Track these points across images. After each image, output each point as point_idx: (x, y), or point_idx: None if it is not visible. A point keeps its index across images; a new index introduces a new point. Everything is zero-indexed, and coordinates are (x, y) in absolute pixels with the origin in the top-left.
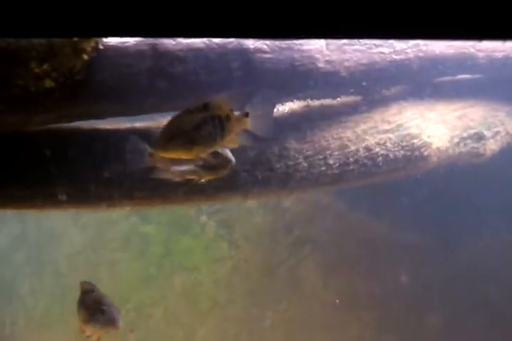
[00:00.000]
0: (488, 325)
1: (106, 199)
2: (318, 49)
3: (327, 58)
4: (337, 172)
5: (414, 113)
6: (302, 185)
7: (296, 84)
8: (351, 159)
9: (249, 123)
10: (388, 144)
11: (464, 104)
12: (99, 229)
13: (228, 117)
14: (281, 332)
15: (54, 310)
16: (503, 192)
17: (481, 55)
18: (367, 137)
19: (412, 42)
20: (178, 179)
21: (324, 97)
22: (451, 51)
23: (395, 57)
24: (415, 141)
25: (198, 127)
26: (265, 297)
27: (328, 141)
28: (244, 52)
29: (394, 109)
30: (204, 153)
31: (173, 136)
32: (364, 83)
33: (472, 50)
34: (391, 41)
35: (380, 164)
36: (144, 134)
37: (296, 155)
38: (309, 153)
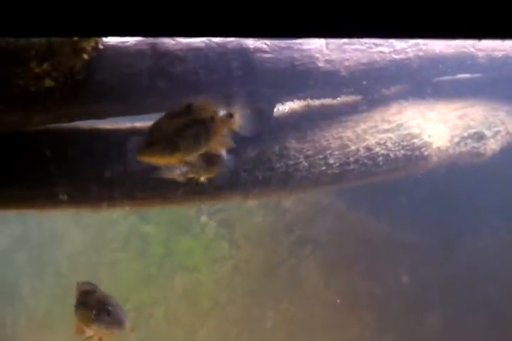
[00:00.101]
0: (488, 325)
1: (106, 199)
2: (318, 48)
3: (327, 58)
4: (337, 171)
5: (415, 112)
6: (302, 185)
7: (296, 83)
8: (351, 159)
9: (235, 124)
10: (388, 144)
11: (464, 104)
12: (100, 229)
13: (213, 119)
14: (282, 332)
15: (55, 310)
16: (503, 192)
17: (480, 54)
18: (367, 137)
19: (411, 41)
20: (181, 178)
21: (324, 97)
22: (451, 50)
23: (395, 56)
24: (416, 140)
25: (179, 131)
26: (266, 297)
27: (328, 140)
28: (244, 51)
29: (394, 108)
30: (191, 157)
31: (153, 141)
32: (364, 82)
33: (472, 50)
34: (391, 40)
35: (381, 164)
36: (144, 134)
37: (297, 155)
38: (309, 152)
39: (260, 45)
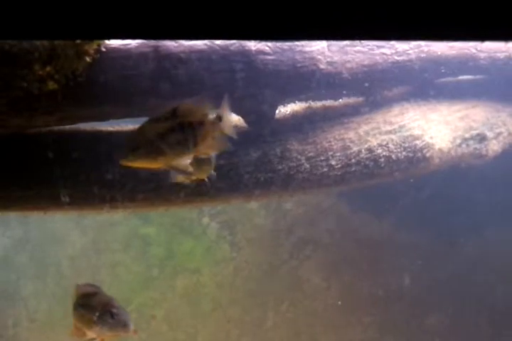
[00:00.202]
0: (489, 326)
1: (109, 201)
2: (320, 50)
3: (329, 59)
4: (339, 173)
5: (416, 114)
6: (304, 186)
7: (298, 85)
8: (353, 160)
9: (226, 127)
10: (390, 145)
11: (466, 105)
12: (101, 231)
13: (201, 122)
14: (283, 333)
15: (56, 311)
16: (503, 192)
17: (482, 55)
18: (369, 138)
19: (413, 43)
20: (187, 181)
21: (326, 98)
22: (452, 52)
23: (396, 58)
24: (417, 142)
25: (163, 136)
26: (267, 298)
27: (330, 142)
28: (246, 53)
29: (396, 110)
30: (178, 161)
31: (136, 146)
32: (366, 84)
33: (474, 51)
34: (393, 42)
35: (382, 165)
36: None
37: (299, 157)
38: (311, 154)
39: (262, 47)
